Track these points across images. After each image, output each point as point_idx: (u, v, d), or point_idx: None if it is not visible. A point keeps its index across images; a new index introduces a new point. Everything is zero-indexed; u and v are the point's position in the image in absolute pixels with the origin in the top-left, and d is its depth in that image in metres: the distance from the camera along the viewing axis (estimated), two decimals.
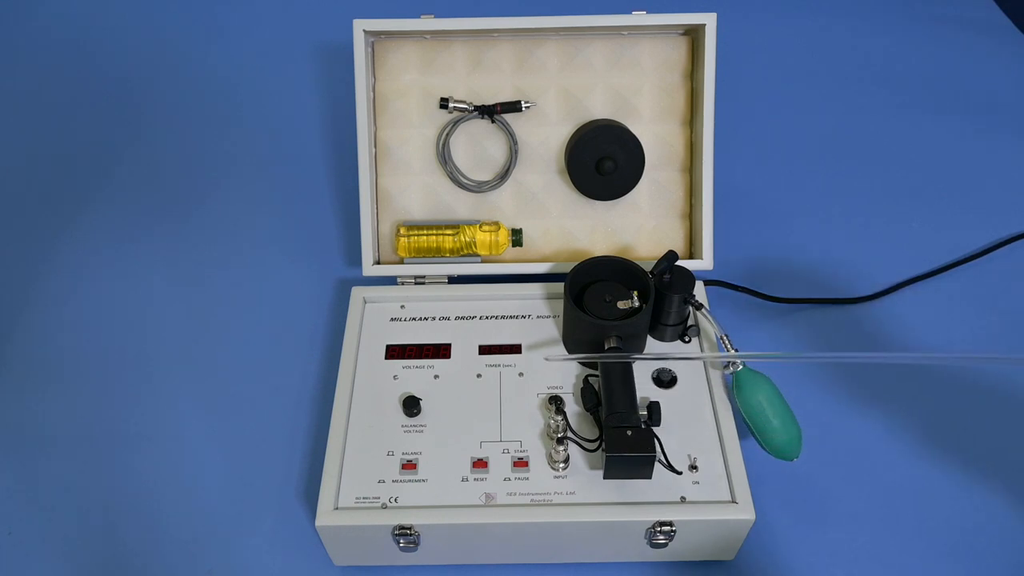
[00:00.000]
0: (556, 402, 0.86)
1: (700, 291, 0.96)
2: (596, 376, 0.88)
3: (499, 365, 0.91)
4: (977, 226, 1.20)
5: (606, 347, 0.86)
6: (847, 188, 1.26)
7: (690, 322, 0.93)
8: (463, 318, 0.97)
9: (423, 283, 1.01)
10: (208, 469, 0.94)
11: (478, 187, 1.03)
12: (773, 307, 1.08)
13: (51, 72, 1.50)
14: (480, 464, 0.82)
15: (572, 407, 0.87)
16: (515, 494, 0.80)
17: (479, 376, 0.90)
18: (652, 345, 0.93)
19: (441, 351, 0.93)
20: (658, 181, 1.03)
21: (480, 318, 0.96)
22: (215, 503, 0.91)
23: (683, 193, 1.03)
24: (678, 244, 1.04)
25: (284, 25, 1.59)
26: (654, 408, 0.83)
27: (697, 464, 0.82)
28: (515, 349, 0.93)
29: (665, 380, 0.89)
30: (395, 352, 0.93)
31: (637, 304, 0.87)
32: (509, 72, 1.01)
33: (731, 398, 0.87)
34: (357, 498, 0.80)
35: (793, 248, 1.17)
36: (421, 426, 0.86)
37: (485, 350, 0.93)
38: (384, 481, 0.81)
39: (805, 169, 1.30)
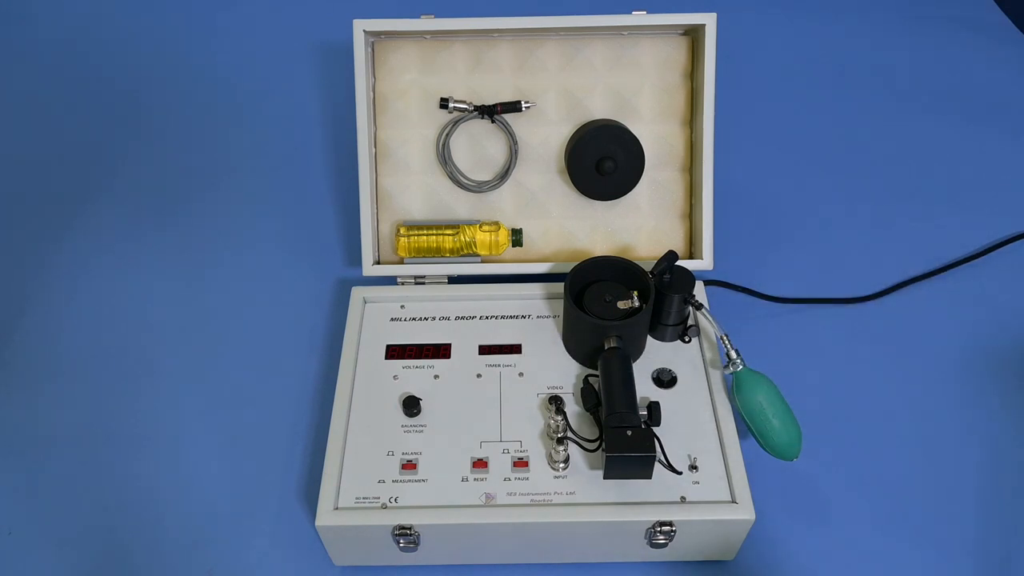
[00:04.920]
0: (556, 402, 0.86)
1: (700, 291, 0.96)
2: (596, 376, 0.88)
3: (499, 365, 0.91)
4: (977, 226, 1.20)
5: (606, 347, 0.86)
6: (847, 188, 1.27)
7: (690, 322, 0.93)
8: (463, 318, 0.97)
9: (423, 283, 1.01)
10: (208, 469, 0.94)
11: (478, 187, 1.03)
12: (773, 307, 1.08)
13: (51, 73, 1.51)
14: (480, 464, 0.82)
15: (572, 407, 0.87)
16: (515, 494, 0.80)
17: (479, 376, 0.90)
18: (652, 345, 0.93)
19: (441, 351, 0.93)
20: (658, 181, 1.03)
21: (480, 318, 0.96)
22: (215, 503, 0.91)
23: (683, 193, 1.03)
24: (678, 244, 1.04)
25: (284, 25, 1.59)
26: (654, 408, 0.83)
27: (697, 464, 0.82)
28: (515, 349, 0.93)
29: (665, 380, 0.89)
30: (395, 352, 0.93)
31: (637, 304, 0.87)
32: (509, 72, 1.01)
33: (731, 398, 0.87)
34: (357, 498, 0.80)
35: (793, 248, 1.17)
36: (421, 426, 0.86)
37: (485, 350, 0.93)
38: (384, 481, 0.81)
39: (805, 169, 1.30)
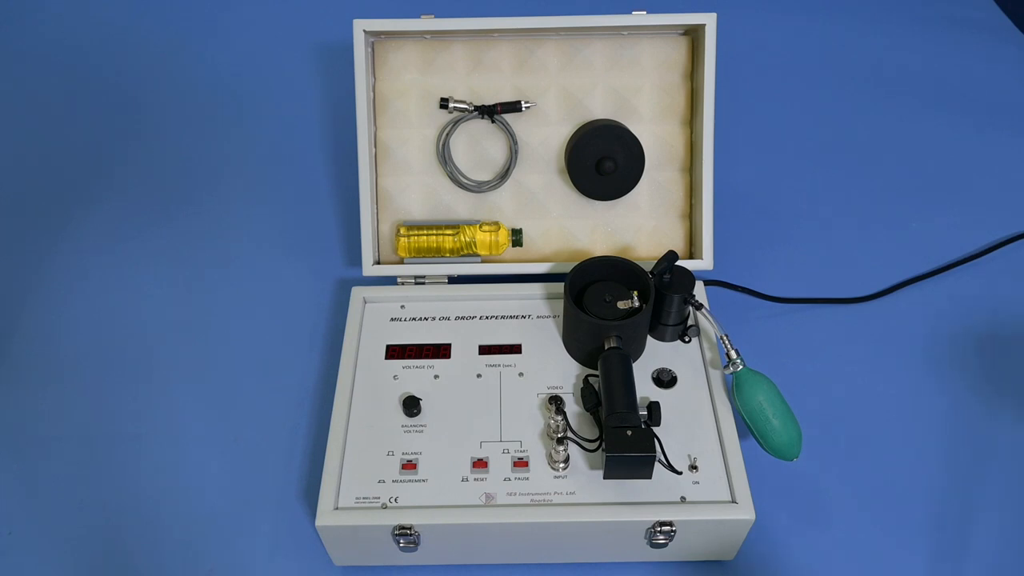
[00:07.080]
0: (556, 402, 0.86)
1: (700, 291, 0.96)
2: (596, 376, 0.88)
3: (499, 365, 0.91)
4: (977, 226, 1.20)
5: (606, 347, 0.86)
6: (847, 188, 1.27)
7: (690, 322, 0.93)
8: (463, 318, 0.97)
9: (423, 283, 1.01)
10: (208, 469, 0.94)
11: (478, 187, 1.03)
12: (773, 307, 1.08)
13: (51, 73, 1.50)
14: (480, 464, 0.82)
15: (572, 407, 0.87)
16: (515, 494, 0.80)
17: (479, 376, 0.90)
18: (652, 345, 0.93)
19: (441, 351, 0.93)
20: (658, 181, 1.03)
21: (480, 318, 0.96)
22: (215, 503, 0.91)
23: (683, 193, 1.03)
24: (678, 244, 1.04)
25: (284, 25, 1.59)
26: (654, 408, 0.83)
27: (697, 464, 0.82)
28: (515, 349, 0.93)
29: (665, 380, 0.89)
30: (395, 352, 0.93)
31: (637, 304, 0.87)
32: (509, 72, 1.01)
33: (731, 398, 0.87)
34: (357, 498, 0.80)
35: (793, 248, 1.17)
36: (421, 426, 0.86)
37: (485, 350, 0.93)
38: (384, 481, 0.81)
39: (805, 169, 1.30)
